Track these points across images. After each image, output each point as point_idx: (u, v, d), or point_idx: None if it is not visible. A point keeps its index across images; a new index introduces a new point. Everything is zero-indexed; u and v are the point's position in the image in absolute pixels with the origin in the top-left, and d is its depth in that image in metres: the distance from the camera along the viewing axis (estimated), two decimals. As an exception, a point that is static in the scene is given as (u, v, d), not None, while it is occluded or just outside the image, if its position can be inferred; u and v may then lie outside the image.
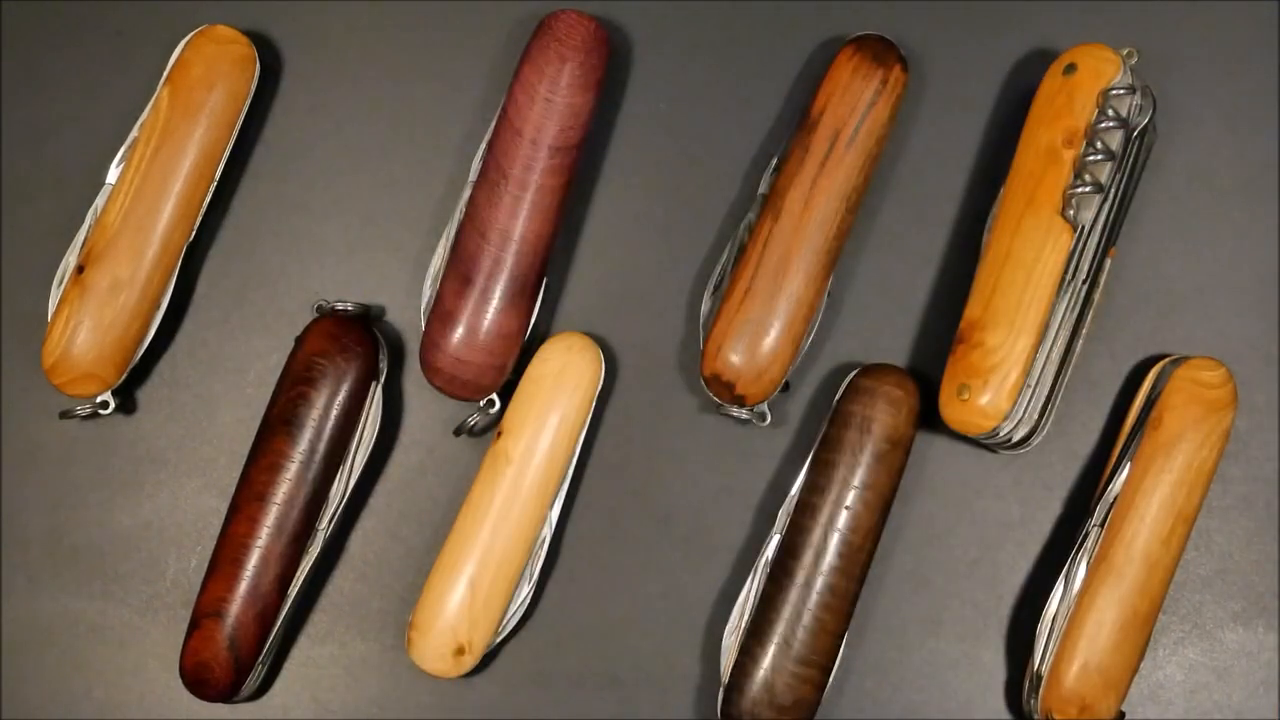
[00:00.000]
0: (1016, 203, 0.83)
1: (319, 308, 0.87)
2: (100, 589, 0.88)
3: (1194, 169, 0.88)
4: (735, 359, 0.84)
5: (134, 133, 0.87)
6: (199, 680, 0.84)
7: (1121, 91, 0.83)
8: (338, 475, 0.85)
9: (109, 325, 0.85)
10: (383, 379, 0.86)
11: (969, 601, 0.87)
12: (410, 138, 0.90)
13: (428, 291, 0.86)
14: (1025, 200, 0.83)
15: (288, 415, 0.84)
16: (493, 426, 0.87)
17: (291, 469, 0.84)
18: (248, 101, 0.88)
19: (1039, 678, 0.82)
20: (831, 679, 0.83)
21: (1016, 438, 0.83)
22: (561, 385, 0.84)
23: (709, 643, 0.86)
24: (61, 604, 0.88)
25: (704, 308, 0.86)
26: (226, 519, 0.84)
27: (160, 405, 0.89)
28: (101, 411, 0.87)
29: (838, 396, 0.84)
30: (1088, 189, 0.82)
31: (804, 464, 0.84)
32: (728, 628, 0.84)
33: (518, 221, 0.84)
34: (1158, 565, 0.82)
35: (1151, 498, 0.82)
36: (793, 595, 0.82)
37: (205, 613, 0.83)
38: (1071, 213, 0.82)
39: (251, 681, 0.85)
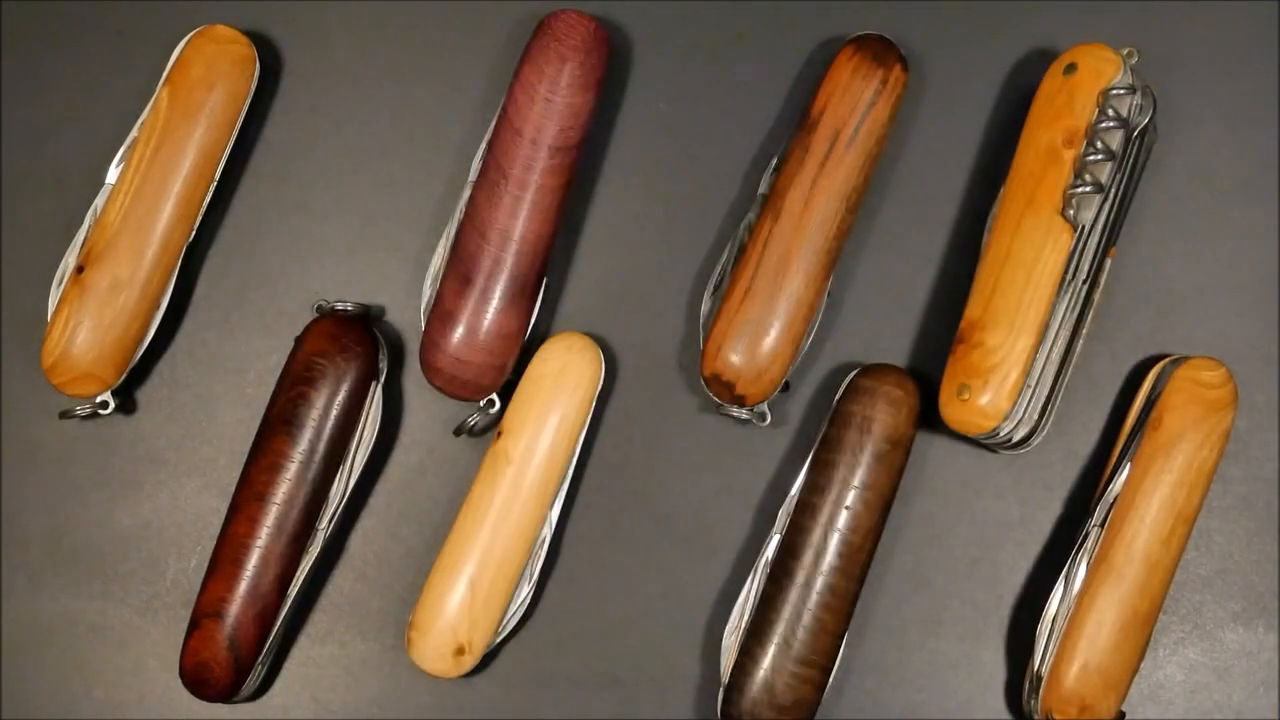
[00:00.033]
0: (1016, 203, 0.83)
1: (319, 308, 0.87)
2: (100, 589, 0.88)
3: (1194, 169, 0.88)
4: (735, 359, 0.84)
5: (134, 133, 0.87)
6: (199, 680, 0.84)
7: (1121, 91, 0.83)
8: (338, 475, 0.85)
9: (109, 325, 0.85)
10: (383, 379, 0.86)
11: (969, 601, 0.87)
12: (410, 138, 0.90)
13: (428, 291, 0.86)
14: (1025, 200, 0.83)
15: (288, 415, 0.84)
16: (493, 426, 0.87)
17: (291, 469, 0.84)
18: (248, 101, 0.88)
19: (1039, 678, 0.82)
20: (831, 679, 0.83)
21: (1016, 438, 0.83)
22: (561, 385, 0.85)
23: (709, 643, 0.86)
24: (61, 604, 0.88)
25: (704, 308, 0.86)
26: (226, 519, 0.84)
27: (160, 405, 0.89)
28: (101, 411, 0.87)
29: (838, 396, 0.84)
30: (1088, 189, 0.82)
31: (804, 464, 0.84)
32: (728, 628, 0.84)
33: (518, 221, 0.84)
34: (1158, 565, 0.82)
35: (1151, 498, 0.82)
36: (793, 595, 0.82)
37: (205, 613, 0.83)
38: (1071, 213, 0.82)
39: (251, 681, 0.85)
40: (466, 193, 0.86)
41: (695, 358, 0.87)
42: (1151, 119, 0.84)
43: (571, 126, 0.85)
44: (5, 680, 0.88)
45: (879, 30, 0.86)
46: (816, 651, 0.82)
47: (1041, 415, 0.83)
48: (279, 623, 0.84)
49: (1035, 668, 0.83)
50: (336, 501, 0.85)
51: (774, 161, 0.86)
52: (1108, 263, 0.85)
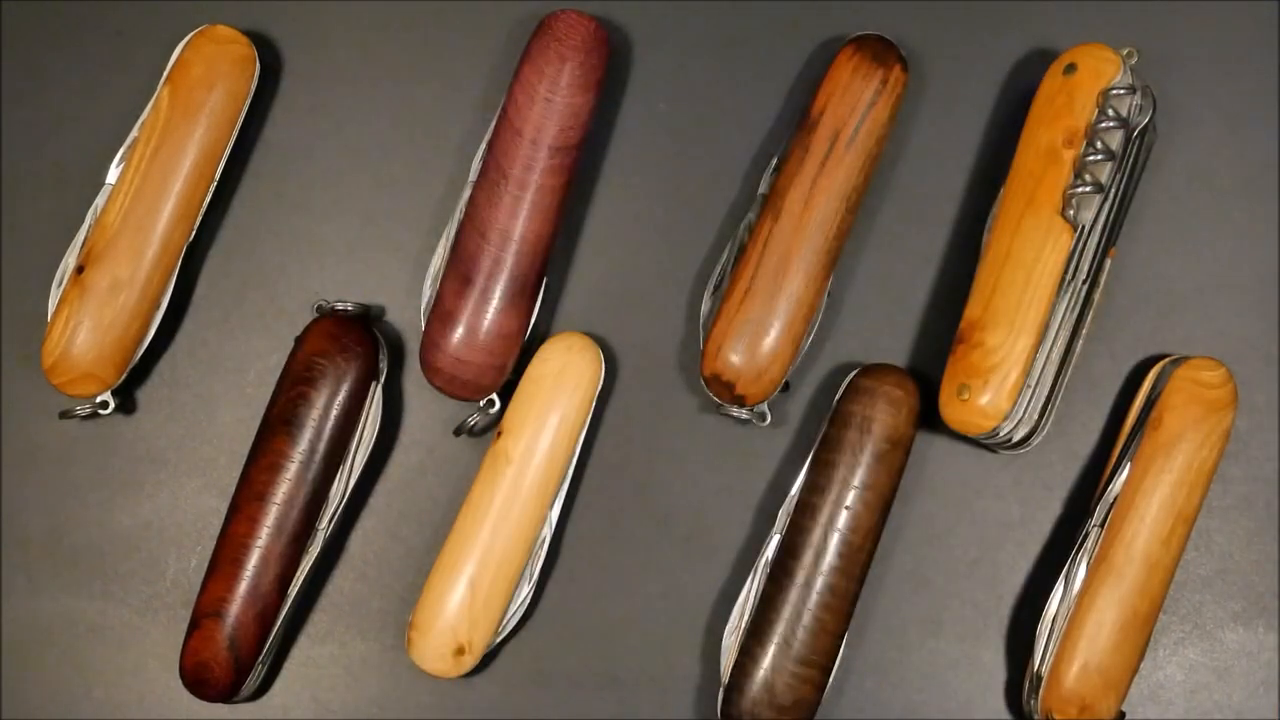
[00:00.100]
0: (1016, 203, 0.83)
1: (319, 308, 0.87)
2: (100, 589, 0.88)
3: (1194, 169, 0.88)
4: (735, 359, 0.84)
5: (134, 133, 0.87)
6: (199, 680, 0.84)
7: (1121, 91, 0.83)
8: (338, 475, 0.85)
9: (109, 325, 0.85)
10: (383, 379, 0.86)
11: (969, 601, 0.87)
12: (410, 138, 0.90)
13: (428, 291, 0.86)
14: (1025, 200, 0.83)
15: (288, 415, 0.84)
16: (493, 426, 0.87)
17: (291, 469, 0.84)
18: (248, 101, 0.88)
19: (1039, 678, 0.82)
20: (831, 679, 0.83)
21: (1016, 438, 0.83)
22: (561, 385, 0.84)
23: (709, 643, 0.86)
24: (61, 604, 0.88)
25: (704, 308, 0.86)
26: (226, 519, 0.84)
27: (160, 405, 0.89)
28: (101, 411, 0.87)
29: (838, 396, 0.84)
30: (1088, 189, 0.82)
31: (804, 464, 0.84)
32: (728, 628, 0.84)
33: (518, 221, 0.84)
34: (1158, 565, 0.82)
35: (1151, 498, 0.82)
36: (793, 595, 0.82)
37: (205, 613, 0.83)
38: (1071, 213, 0.82)
39: (251, 681, 0.85)
40: (466, 193, 0.86)
41: (695, 358, 0.87)
42: (1151, 119, 0.84)
43: (571, 126, 0.85)
44: (5, 680, 0.88)
45: (879, 30, 0.86)
46: (816, 651, 0.82)
47: (1041, 415, 0.83)
48: (279, 623, 0.84)
49: (1035, 668, 0.83)
50: (336, 501, 0.85)
51: (774, 161, 0.86)
52: (1108, 263, 0.85)
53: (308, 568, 0.84)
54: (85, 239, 0.86)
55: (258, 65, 0.88)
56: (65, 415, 0.87)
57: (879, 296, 0.88)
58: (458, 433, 0.87)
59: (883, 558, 0.86)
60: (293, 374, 0.85)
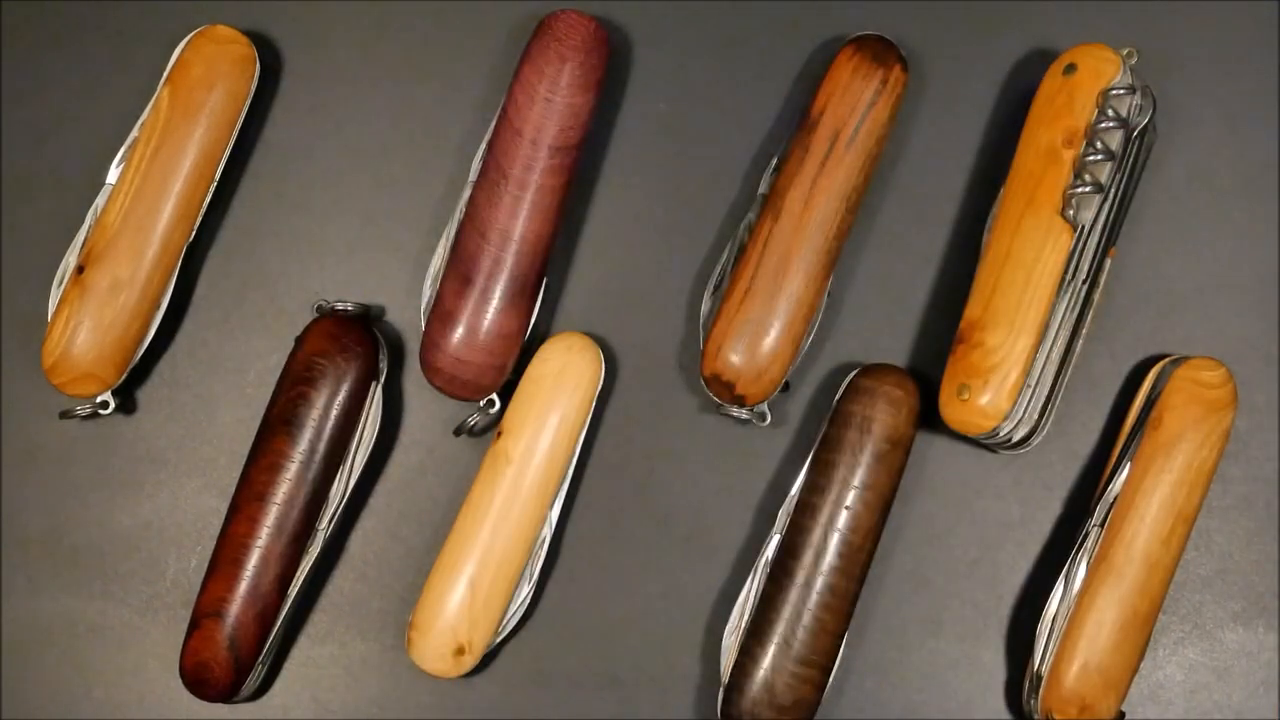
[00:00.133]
0: (1016, 203, 0.83)
1: (319, 308, 0.87)
2: (100, 589, 0.88)
3: (1194, 169, 0.88)
4: (735, 359, 0.84)
5: (134, 133, 0.87)
6: (199, 680, 0.84)
7: (1121, 91, 0.83)
8: (338, 475, 0.85)
9: (109, 325, 0.85)
10: (383, 379, 0.86)
11: (969, 601, 0.87)
12: (410, 138, 0.90)
13: (428, 291, 0.86)
14: (1025, 200, 0.83)
15: (288, 415, 0.84)
16: (493, 426, 0.87)
17: (291, 469, 0.84)
18: (248, 101, 0.88)
19: (1039, 678, 0.82)
20: (831, 679, 0.83)
21: (1016, 438, 0.83)
22: (561, 385, 0.85)
23: (709, 643, 0.86)
24: (61, 604, 0.88)
25: (704, 308, 0.86)
26: (226, 519, 0.84)
27: (160, 405, 0.89)
28: (101, 411, 0.87)
29: (838, 396, 0.84)
30: (1088, 189, 0.82)
31: (804, 464, 0.84)
32: (728, 628, 0.84)
33: (518, 221, 0.84)
34: (1158, 565, 0.82)
35: (1151, 498, 0.82)
36: (793, 595, 0.82)
37: (205, 613, 0.83)
38: (1071, 213, 0.82)
39: (251, 681, 0.85)
40: (466, 193, 0.86)
41: (695, 358, 0.87)
42: (1151, 119, 0.84)
43: (571, 126, 0.85)
44: (5, 680, 0.88)
45: (879, 30, 0.86)
46: (816, 651, 0.82)
47: (1041, 415, 0.83)
48: (279, 623, 0.84)
49: (1035, 667, 0.83)
50: (336, 501, 0.85)
51: (774, 161, 0.86)
52: (1108, 263, 0.85)
53: (308, 568, 0.84)
54: (85, 239, 0.86)
55: (258, 65, 0.88)
56: (65, 415, 0.87)
57: (879, 296, 0.88)
58: (458, 433, 0.87)
59: (883, 558, 0.86)
60: (293, 374, 0.85)
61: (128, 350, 0.86)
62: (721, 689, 0.83)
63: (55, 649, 0.88)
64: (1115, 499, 0.82)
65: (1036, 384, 0.82)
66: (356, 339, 0.85)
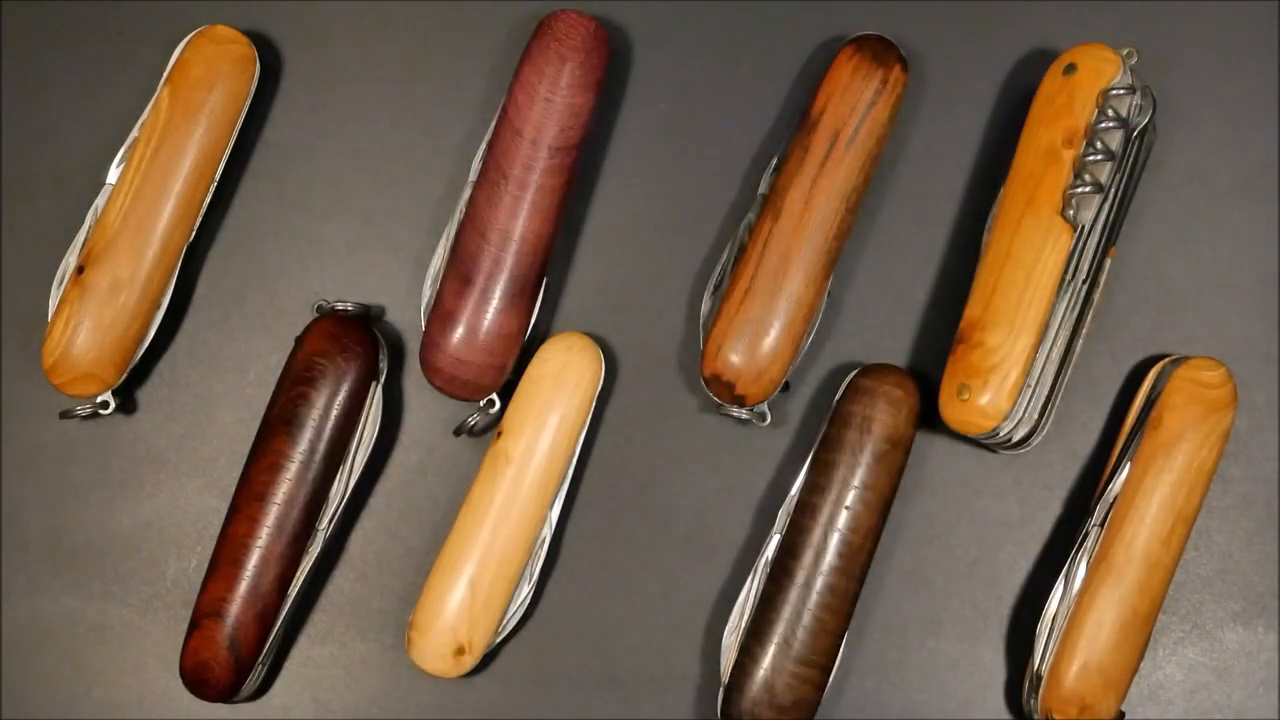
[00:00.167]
0: (1016, 203, 0.83)
1: (319, 308, 0.87)
2: (100, 589, 0.88)
3: (1194, 169, 0.88)
4: (735, 359, 0.84)
5: (134, 133, 0.87)
6: (199, 680, 0.84)
7: (1121, 91, 0.83)
8: (338, 475, 0.85)
9: (109, 325, 0.85)
10: (383, 379, 0.86)
11: (969, 601, 0.87)
12: (410, 138, 0.90)
13: (428, 291, 0.86)
14: (1025, 200, 0.83)
15: (288, 415, 0.84)
16: (493, 426, 0.87)
17: (291, 469, 0.84)
18: (248, 101, 0.88)
19: (1039, 678, 0.82)
20: (831, 679, 0.83)
21: (1016, 438, 0.83)
22: (561, 385, 0.85)
23: (709, 643, 0.86)
24: (61, 604, 0.88)
25: (704, 308, 0.86)
26: (226, 519, 0.84)
27: (160, 405, 0.89)
28: (101, 411, 0.87)
29: (838, 396, 0.84)
30: (1088, 189, 0.82)
31: (804, 464, 0.84)
32: (728, 628, 0.84)
33: (518, 221, 0.84)
34: (1158, 565, 0.82)
35: (1151, 498, 0.82)
36: (793, 595, 0.82)
37: (205, 613, 0.83)
38: (1071, 213, 0.82)
39: (251, 681, 0.85)
40: (466, 193, 0.86)
41: (695, 358, 0.87)
42: (1151, 119, 0.84)
43: (571, 126, 0.85)
44: (5, 680, 0.88)
45: (879, 30, 0.86)
46: (816, 651, 0.82)
47: (1041, 415, 0.83)
48: (279, 623, 0.84)
49: (1035, 667, 0.83)
50: (336, 501, 0.85)
51: (774, 161, 0.86)
52: (1108, 263, 0.85)
53: (308, 568, 0.84)
54: (85, 239, 0.86)
55: (258, 65, 0.88)
56: (65, 415, 0.87)
57: (879, 296, 0.88)
58: (458, 433, 0.87)
59: (883, 558, 0.86)
60: (293, 374, 0.85)
61: (128, 350, 0.86)
62: (721, 689, 0.83)
63: (55, 649, 0.88)
64: (1115, 499, 0.82)
65: (1036, 384, 0.82)
66: (356, 339, 0.85)
